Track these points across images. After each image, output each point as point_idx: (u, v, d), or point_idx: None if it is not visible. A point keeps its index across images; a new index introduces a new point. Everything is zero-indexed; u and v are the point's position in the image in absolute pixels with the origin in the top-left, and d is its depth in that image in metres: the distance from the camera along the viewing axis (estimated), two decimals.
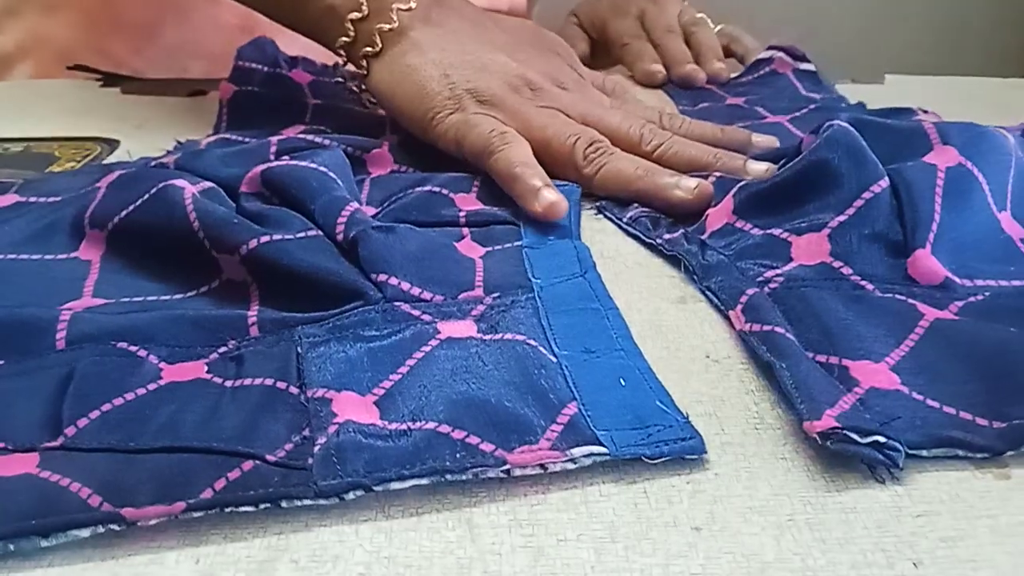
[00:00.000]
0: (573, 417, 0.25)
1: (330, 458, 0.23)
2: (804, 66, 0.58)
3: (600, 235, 0.37)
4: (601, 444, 0.24)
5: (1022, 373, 0.26)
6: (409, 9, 0.43)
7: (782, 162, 0.37)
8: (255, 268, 0.30)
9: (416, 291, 0.30)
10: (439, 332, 0.28)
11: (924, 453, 0.24)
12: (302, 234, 0.31)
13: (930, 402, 0.26)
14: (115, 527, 0.21)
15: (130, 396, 0.25)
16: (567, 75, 0.46)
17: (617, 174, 0.39)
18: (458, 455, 0.23)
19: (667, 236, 0.36)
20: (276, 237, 0.30)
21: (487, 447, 0.23)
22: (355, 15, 0.43)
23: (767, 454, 0.25)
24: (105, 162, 0.43)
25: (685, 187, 0.37)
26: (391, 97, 0.43)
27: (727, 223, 0.35)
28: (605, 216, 0.39)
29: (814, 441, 0.24)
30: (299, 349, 0.27)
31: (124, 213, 0.32)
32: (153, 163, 0.39)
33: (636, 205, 0.39)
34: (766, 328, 0.28)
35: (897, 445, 0.23)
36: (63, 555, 0.21)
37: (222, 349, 0.28)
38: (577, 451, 0.23)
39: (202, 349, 0.28)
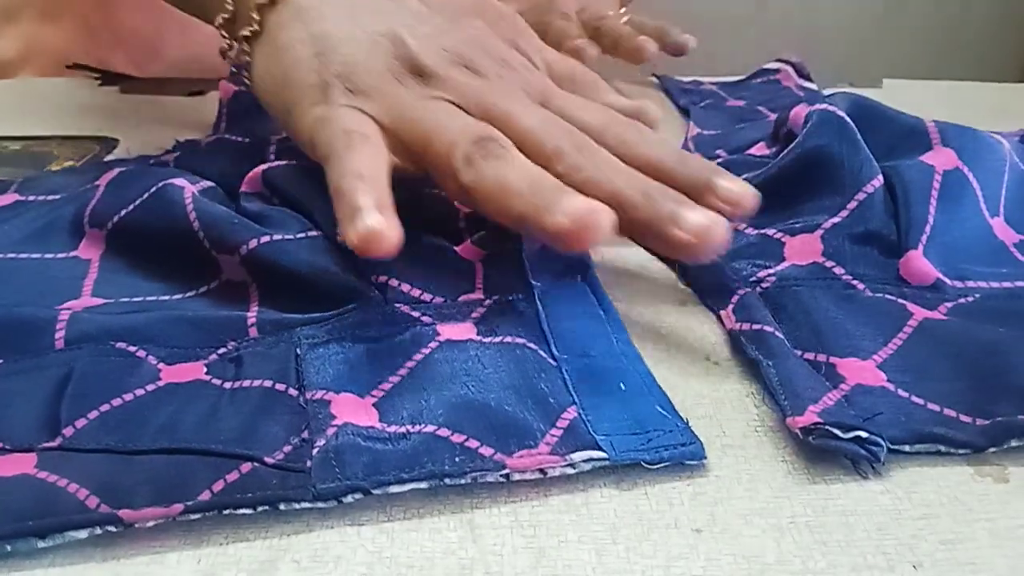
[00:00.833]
0: (573, 421, 0.25)
1: (329, 461, 0.23)
2: (807, 84, 0.58)
3: None
4: (601, 449, 0.24)
5: (1009, 373, 0.26)
6: None
7: (775, 149, 0.37)
8: (255, 268, 0.30)
9: (416, 293, 0.30)
10: (439, 334, 0.28)
11: (906, 448, 0.24)
12: (302, 234, 0.31)
13: (915, 399, 0.26)
14: (112, 529, 0.21)
15: (128, 397, 0.25)
16: (492, 56, 0.34)
17: (498, 184, 0.29)
18: (457, 459, 0.23)
19: None
20: (276, 237, 0.30)
21: (486, 451, 0.23)
22: None
23: (768, 456, 0.25)
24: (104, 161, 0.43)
25: (572, 216, 0.27)
26: (262, 92, 0.35)
27: None
28: None
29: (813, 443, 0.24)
30: (298, 350, 0.27)
31: (124, 212, 0.32)
32: (152, 161, 0.39)
33: None
34: (755, 327, 0.29)
35: (879, 440, 0.24)
36: (64, 554, 0.21)
37: (221, 350, 0.28)
38: (577, 456, 0.23)
39: (201, 350, 0.28)
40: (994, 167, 0.34)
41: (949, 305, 0.30)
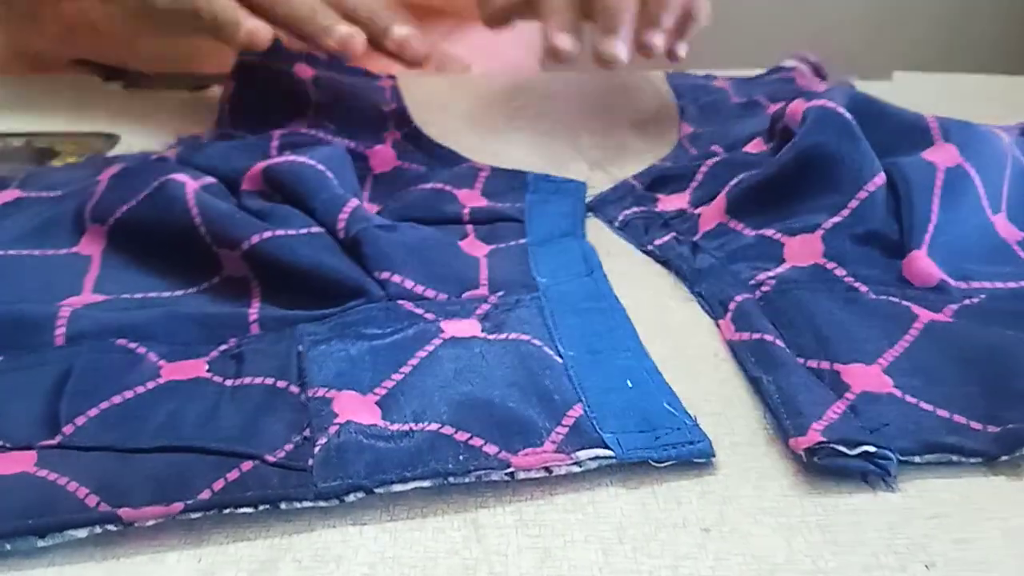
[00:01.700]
0: (579, 419, 0.24)
1: (330, 459, 0.22)
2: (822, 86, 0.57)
3: (605, 232, 0.37)
4: (607, 447, 0.23)
5: (1017, 376, 0.26)
6: None
7: (772, 145, 0.37)
8: (257, 264, 0.30)
9: (420, 289, 0.30)
10: (442, 331, 0.28)
11: (917, 459, 0.24)
12: (304, 230, 0.30)
13: (924, 406, 0.25)
14: (112, 527, 0.21)
15: (129, 394, 0.25)
16: None
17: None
18: (461, 457, 0.23)
19: (658, 241, 0.35)
20: (279, 233, 0.30)
21: (491, 449, 0.23)
22: None
23: (777, 454, 0.24)
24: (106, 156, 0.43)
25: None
26: None
27: (720, 223, 0.34)
28: (597, 218, 0.38)
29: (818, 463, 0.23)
30: (300, 347, 0.27)
31: (125, 208, 0.32)
32: (154, 157, 0.38)
33: (628, 206, 0.37)
34: (755, 336, 0.28)
35: (888, 453, 0.23)
36: (64, 553, 0.21)
37: (222, 347, 0.27)
38: (582, 454, 0.23)
39: (202, 347, 0.27)
40: (995, 162, 0.33)
41: (955, 307, 0.29)
